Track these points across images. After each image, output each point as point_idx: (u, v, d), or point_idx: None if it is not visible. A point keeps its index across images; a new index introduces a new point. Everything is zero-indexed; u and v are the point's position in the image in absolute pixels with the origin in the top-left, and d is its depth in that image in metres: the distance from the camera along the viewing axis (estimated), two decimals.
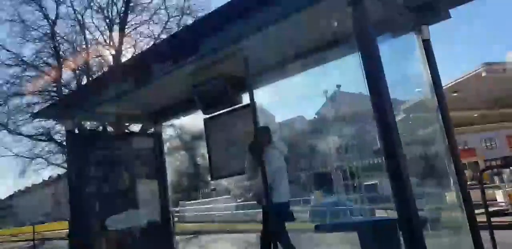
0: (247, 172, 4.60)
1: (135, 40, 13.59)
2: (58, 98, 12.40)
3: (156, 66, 4.29)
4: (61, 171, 18.72)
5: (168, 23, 15.41)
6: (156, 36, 13.99)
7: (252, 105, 3.55)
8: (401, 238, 3.16)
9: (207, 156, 4.97)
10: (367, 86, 2.29)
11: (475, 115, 15.68)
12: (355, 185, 16.57)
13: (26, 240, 13.57)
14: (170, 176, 5.50)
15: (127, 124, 6.18)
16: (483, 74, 12.03)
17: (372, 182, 18.29)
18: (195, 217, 14.94)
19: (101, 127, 5.64)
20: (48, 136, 15.08)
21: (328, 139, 20.91)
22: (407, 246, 2.00)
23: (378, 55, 2.31)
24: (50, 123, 14.94)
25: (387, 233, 3.08)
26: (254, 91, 4.58)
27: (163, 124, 6.04)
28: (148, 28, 14.57)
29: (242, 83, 4.46)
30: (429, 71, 3.23)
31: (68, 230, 9.99)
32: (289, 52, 3.88)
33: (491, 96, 13.79)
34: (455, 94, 12.70)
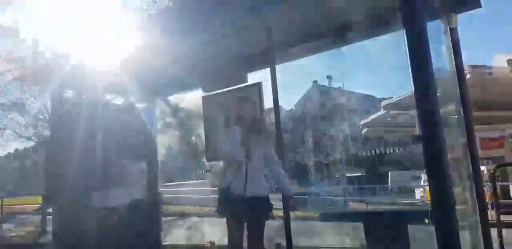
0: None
1: None
2: (34, 67, 11.67)
3: (159, 35, 4.00)
4: (29, 144, 17.90)
5: None
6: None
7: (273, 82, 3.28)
8: (408, 230, 3.12)
9: (203, 136, 4.76)
10: (410, 67, 2.14)
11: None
12: (336, 176, 16.78)
13: None
14: (162, 155, 5.24)
15: (115, 95, 5.83)
16: (467, 76, 12.27)
17: (356, 174, 18.61)
18: (172, 199, 14.73)
19: (87, 97, 5.30)
20: (19, 107, 14.29)
21: (306, 131, 21.02)
22: (440, 238, 1.89)
23: (426, 35, 2.17)
24: (23, 94, 14.17)
25: (394, 225, 3.02)
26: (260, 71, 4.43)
27: (158, 99, 5.75)
28: None
29: (250, 61, 4.26)
30: (453, 60, 3.13)
31: (40, 205, 9.62)
32: (305, 31, 3.67)
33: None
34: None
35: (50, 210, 7.11)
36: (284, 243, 4.09)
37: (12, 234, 8.02)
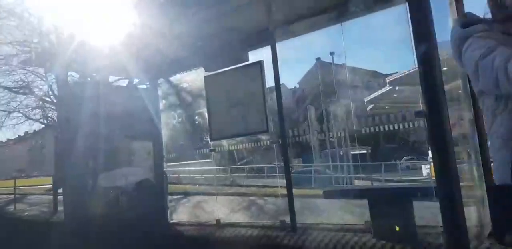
0: None
1: None
2: (39, 49, 11.59)
3: (160, 13, 3.92)
4: (38, 126, 18.11)
5: None
6: None
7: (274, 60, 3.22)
8: (413, 207, 3.15)
9: (206, 115, 4.75)
10: (413, 41, 2.09)
11: None
12: (341, 153, 16.79)
13: (3, 194, 13.30)
14: (166, 135, 5.27)
15: (118, 77, 5.81)
16: None
17: (360, 152, 18.62)
18: (177, 178, 14.94)
19: (92, 79, 5.30)
20: (27, 90, 14.36)
21: (310, 108, 20.90)
22: (444, 214, 1.89)
23: (429, 7, 2.09)
24: (29, 76, 14.21)
25: (398, 201, 3.04)
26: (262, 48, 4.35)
27: (160, 79, 5.72)
28: None
29: (250, 40, 4.18)
30: None
31: (51, 185, 9.84)
32: (306, 6, 3.57)
33: None
34: None
35: (60, 190, 7.27)
36: (288, 220, 4.16)
37: (25, 213, 8.26)
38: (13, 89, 14.37)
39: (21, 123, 15.32)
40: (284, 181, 4.08)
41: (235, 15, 3.55)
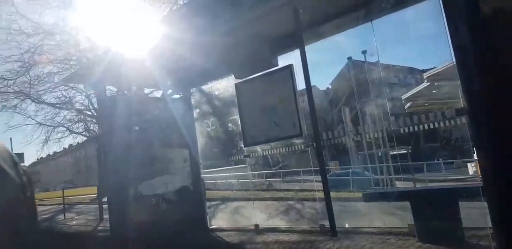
0: None
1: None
2: (77, 66, 12.22)
3: (188, 25, 4.02)
4: (81, 139, 18.94)
5: None
6: None
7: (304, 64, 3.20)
8: (460, 208, 3.00)
9: (239, 122, 4.79)
10: (449, 35, 2.02)
11: None
12: (379, 154, 16.30)
13: (54, 204, 14.01)
14: (201, 143, 5.36)
15: (151, 89, 6.00)
16: None
17: (400, 152, 18.02)
18: (214, 184, 15.12)
19: (128, 92, 5.52)
20: (69, 105, 15.12)
21: (344, 109, 20.49)
22: (493, 215, 1.80)
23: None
24: (70, 92, 14.97)
25: (443, 203, 2.91)
26: (291, 52, 4.33)
27: (192, 89, 5.84)
28: None
29: (279, 44, 4.18)
30: None
31: (96, 194, 10.30)
32: (334, 5, 3.51)
33: None
34: None
35: (105, 199, 7.56)
36: (327, 224, 4.09)
37: (74, 222, 8.66)
38: (56, 105, 15.17)
39: (66, 136, 16.12)
40: (321, 184, 4.01)
41: (262, 21, 3.57)
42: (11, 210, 1.89)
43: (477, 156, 2.02)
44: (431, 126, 17.94)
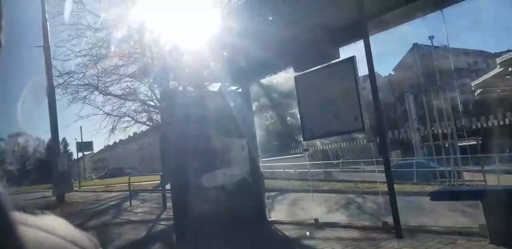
0: None
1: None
2: (142, 61, 12.80)
3: (248, 18, 4.00)
4: (145, 128, 19.99)
5: None
6: None
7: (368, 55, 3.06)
8: None
9: (298, 115, 4.73)
10: None
11: None
12: (446, 145, 15.30)
13: (120, 191, 15.00)
14: (260, 136, 5.38)
15: (213, 82, 6.09)
16: None
17: (469, 143, 16.77)
18: (271, 173, 15.21)
19: (189, 84, 5.68)
20: (133, 96, 15.97)
21: (407, 96, 19.37)
22: None
23: None
24: (135, 83, 15.78)
25: None
26: (353, 44, 4.15)
27: (250, 82, 5.85)
28: None
29: (342, 35, 4.03)
30: None
31: (160, 182, 10.80)
32: None
33: None
34: None
35: (168, 187, 7.93)
36: (390, 221, 3.93)
37: (139, 209, 9.17)
38: (122, 96, 16.10)
39: (131, 126, 17.10)
40: (383, 175, 3.83)
41: (324, 12, 3.44)
42: None
43: None
44: (504, 116, 16.47)
